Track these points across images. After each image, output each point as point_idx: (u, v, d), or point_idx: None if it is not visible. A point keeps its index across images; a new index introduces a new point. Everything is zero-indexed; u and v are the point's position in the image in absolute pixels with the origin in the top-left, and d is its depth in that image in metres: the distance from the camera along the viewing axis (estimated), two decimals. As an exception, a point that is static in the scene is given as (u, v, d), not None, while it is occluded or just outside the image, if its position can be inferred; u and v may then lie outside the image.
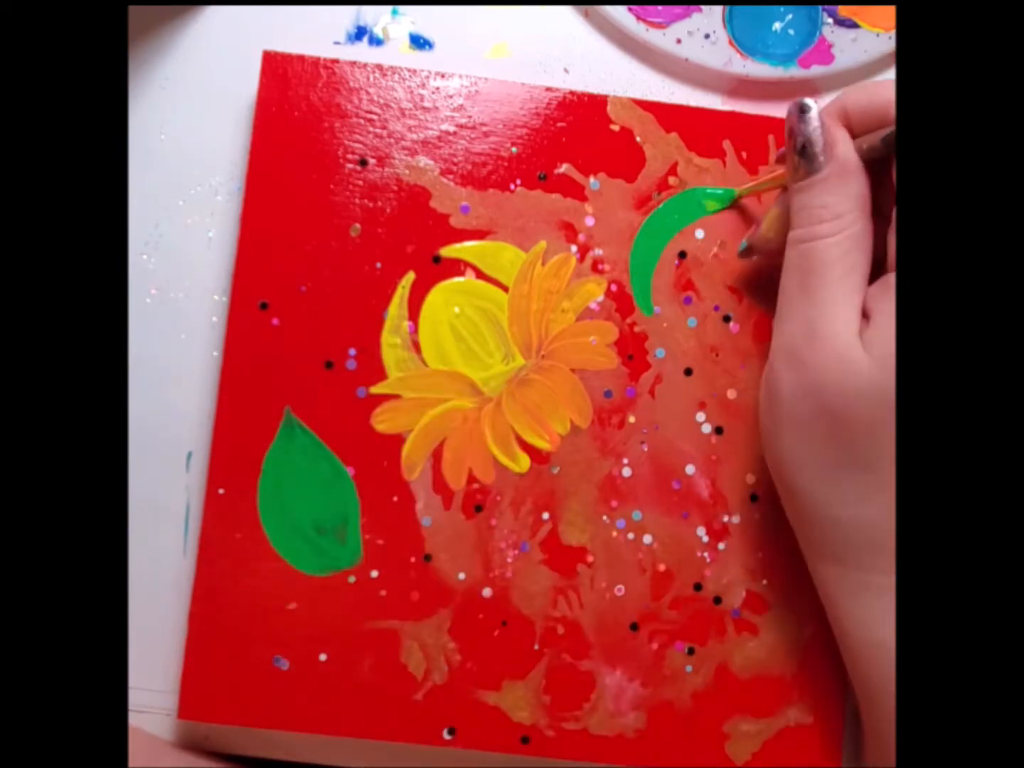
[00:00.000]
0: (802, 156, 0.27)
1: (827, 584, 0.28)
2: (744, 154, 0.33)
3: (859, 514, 0.26)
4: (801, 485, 0.28)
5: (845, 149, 0.27)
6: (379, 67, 0.32)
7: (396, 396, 0.32)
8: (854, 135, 0.28)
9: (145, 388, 0.33)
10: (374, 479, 0.31)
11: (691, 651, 0.32)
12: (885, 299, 0.26)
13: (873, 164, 0.27)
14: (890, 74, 0.35)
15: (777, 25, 0.34)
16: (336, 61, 0.32)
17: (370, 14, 0.34)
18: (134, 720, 0.32)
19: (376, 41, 0.34)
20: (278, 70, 0.32)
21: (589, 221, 0.32)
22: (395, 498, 0.31)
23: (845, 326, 0.26)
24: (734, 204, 0.33)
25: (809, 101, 0.27)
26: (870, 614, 0.27)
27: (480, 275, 0.32)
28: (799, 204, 0.27)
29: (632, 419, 0.32)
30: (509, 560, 0.32)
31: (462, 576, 0.31)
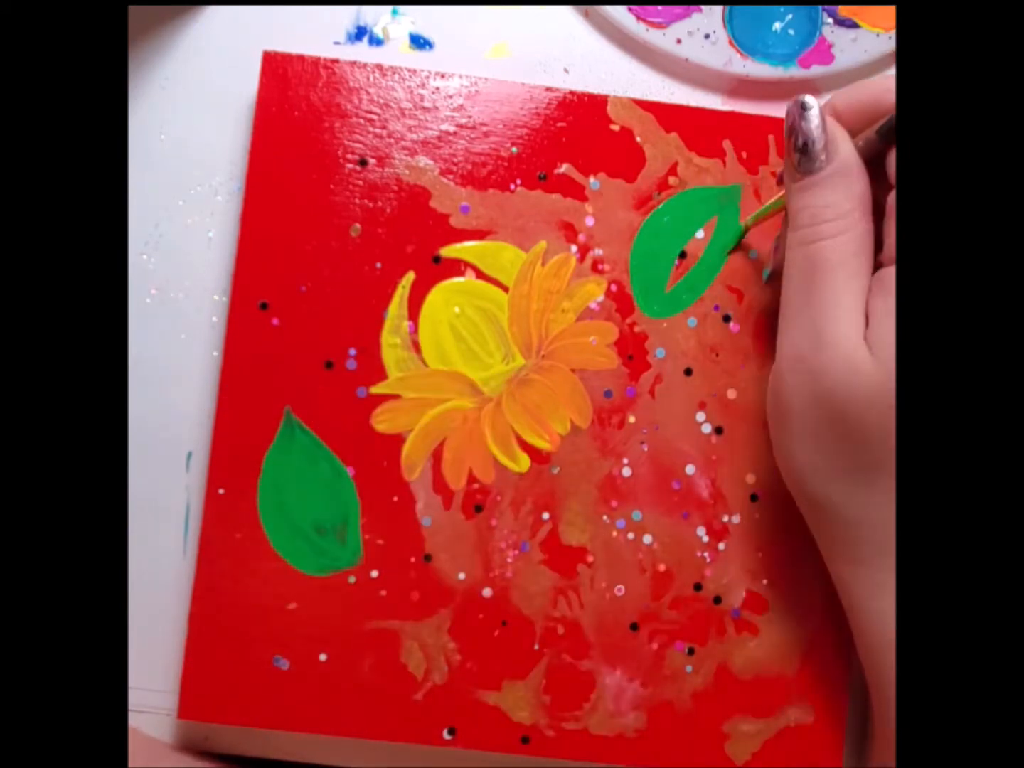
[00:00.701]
0: (804, 154, 0.27)
1: (845, 583, 0.28)
2: (744, 154, 0.33)
3: (873, 516, 0.26)
4: (815, 489, 0.27)
5: (846, 147, 0.27)
6: (379, 67, 0.32)
7: (396, 396, 0.32)
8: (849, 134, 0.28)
9: (145, 388, 0.33)
10: (374, 479, 0.31)
11: (691, 651, 0.32)
12: (883, 298, 0.26)
13: (869, 161, 0.27)
14: (890, 74, 0.35)
15: (777, 25, 0.34)
16: (336, 61, 0.32)
17: (370, 14, 0.34)
18: (134, 720, 0.32)
19: (376, 41, 0.34)
20: (278, 70, 0.32)
21: (589, 221, 0.32)
22: (395, 498, 0.31)
23: (851, 330, 0.26)
24: (744, 237, 0.33)
25: (810, 98, 0.27)
26: (887, 613, 0.27)
27: (480, 275, 0.32)
28: (800, 203, 0.27)
29: (632, 419, 0.32)
30: (509, 560, 0.32)
31: (462, 576, 0.31)
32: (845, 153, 0.27)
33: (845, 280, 0.26)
